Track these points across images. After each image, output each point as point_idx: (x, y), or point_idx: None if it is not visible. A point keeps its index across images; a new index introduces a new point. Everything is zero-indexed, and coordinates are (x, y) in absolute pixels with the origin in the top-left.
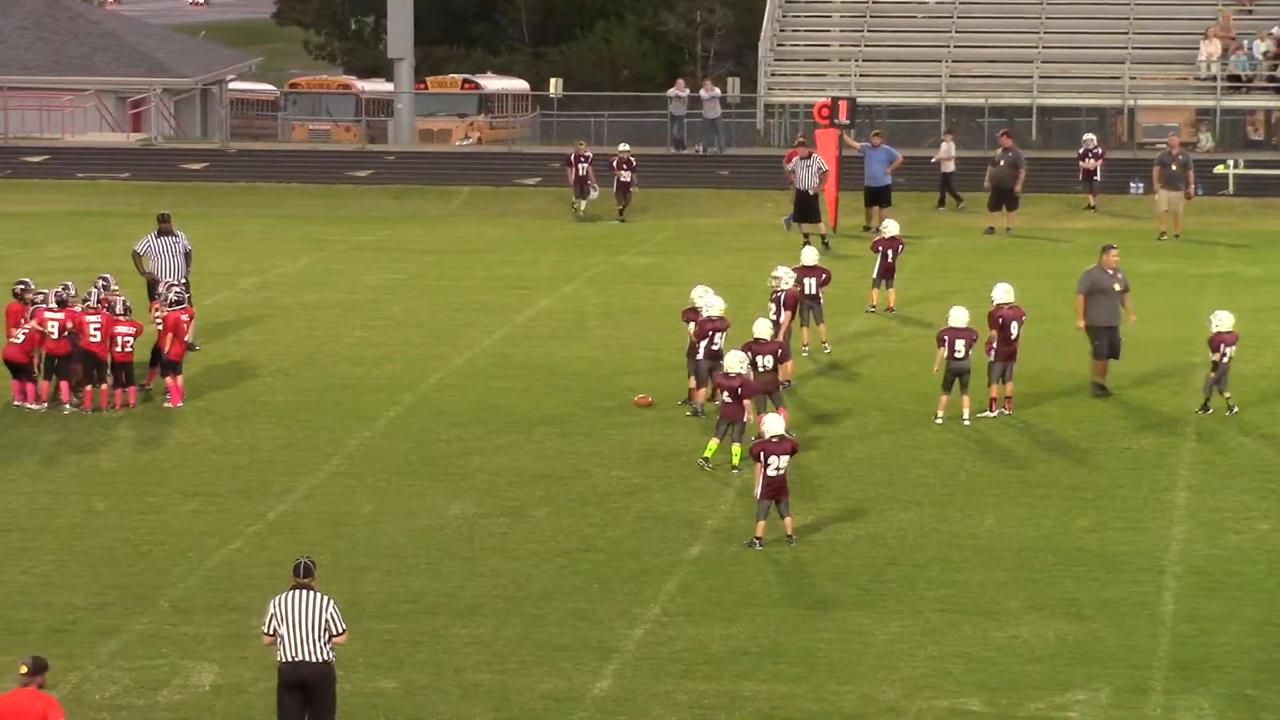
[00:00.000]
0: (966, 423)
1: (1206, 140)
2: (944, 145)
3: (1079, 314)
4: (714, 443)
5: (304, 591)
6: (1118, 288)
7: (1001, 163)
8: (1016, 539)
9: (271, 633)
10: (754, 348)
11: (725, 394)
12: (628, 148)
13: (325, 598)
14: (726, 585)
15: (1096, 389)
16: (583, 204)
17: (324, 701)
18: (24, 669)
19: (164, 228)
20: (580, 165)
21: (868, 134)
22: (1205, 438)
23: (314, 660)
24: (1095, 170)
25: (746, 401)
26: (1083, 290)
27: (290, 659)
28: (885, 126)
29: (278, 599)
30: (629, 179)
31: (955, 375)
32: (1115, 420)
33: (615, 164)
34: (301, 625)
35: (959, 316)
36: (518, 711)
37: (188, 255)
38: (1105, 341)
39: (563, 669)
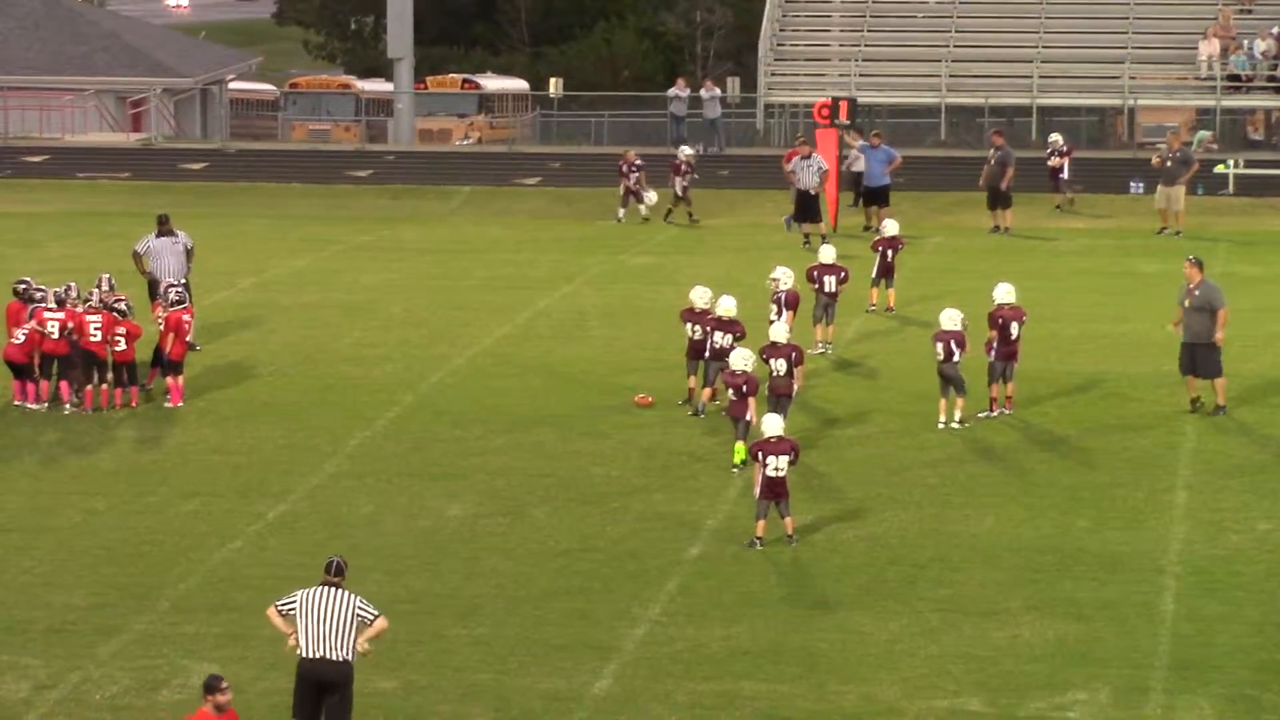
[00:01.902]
0: (955, 426)
1: (1199, 138)
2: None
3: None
4: (740, 444)
5: (331, 589)
6: (1187, 304)
7: (992, 162)
8: (1016, 539)
9: (284, 613)
10: (769, 351)
11: (731, 391)
12: (690, 151)
13: (352, 595)
14: (727, 585)
15: (1191, 405)
16: (622, 211)
17: (341, 701)
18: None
19: (164, 228)
20: (632, 175)
21: (867, 134)
22: (1205, 438)
23: (335, 659)
24: (1061, 168)
25: (751, 399)
26: (1179, 302)
27: (310, 656)
28: (885, 126)
29: (304, 592)
30: (688, 181)
31: (943, 378)
32: (1115, 420)
33: (677, 168)
34: (325, 622)
35: (948, 319)
36: (517, 711)
37: (189, 253)
38: (1186, 358)
39: (562, 669)
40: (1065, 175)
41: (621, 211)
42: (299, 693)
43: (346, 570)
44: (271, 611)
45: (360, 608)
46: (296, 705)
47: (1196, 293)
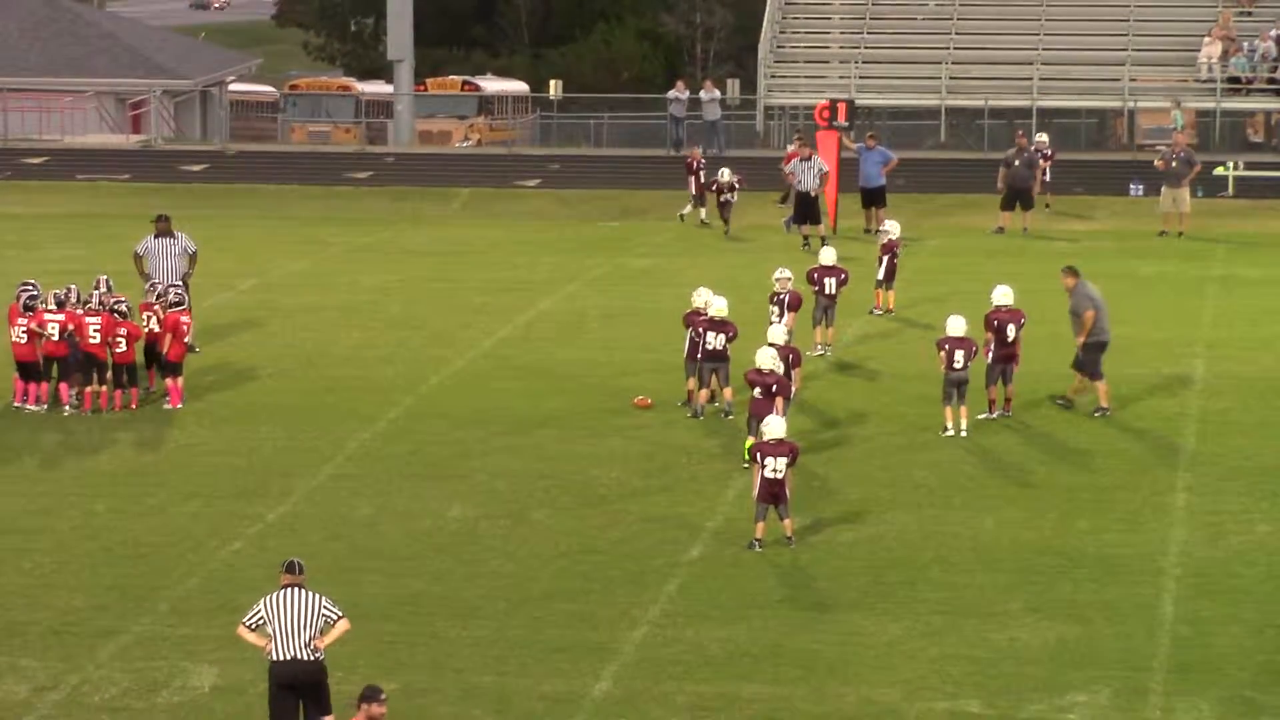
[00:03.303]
0: (964, 434)
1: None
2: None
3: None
4: (751, 440)
5: (294, 590)
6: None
7: (1017, 163)
8: (1016, 541)
9: (253, 626)
10: None
11: (757, 390)
12: (730, 175)
13: (315, 594)
14: (726, 587)
15: (1061, 398)
16: (703, 211)
17: (319, 700)
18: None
19: (161, 229)
20: (701, 173)
21: (863, 135)
22: (1204, 439)
23: (306, 659)
24: (1045, 171)
25: (780, 400)
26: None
27: (281, 658)
28: (885, 128)
29: (268, 598)
30: (730, 199)
31: (954, 385)
32: (1114, 423)
33: (717, 189)
34: (293, 624)
35: (956, 325)
36: (517, 713)
37: (192, 257)
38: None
39: (562, 671)
40: (1048, 177)
41: (704, 212)
42: (273, 695)
43: (304, 568)
44: (242, 630)
45: (326, 608)
46: (272, 709)
47: (1070, 299)
